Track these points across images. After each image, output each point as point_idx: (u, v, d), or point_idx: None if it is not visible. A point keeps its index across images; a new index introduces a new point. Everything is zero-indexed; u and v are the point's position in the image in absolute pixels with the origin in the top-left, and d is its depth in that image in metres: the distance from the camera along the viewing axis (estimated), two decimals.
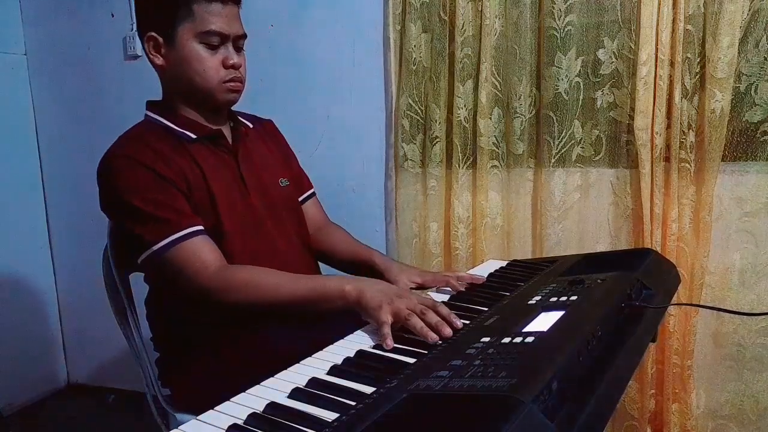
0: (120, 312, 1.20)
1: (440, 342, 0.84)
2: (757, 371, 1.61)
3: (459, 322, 0.89)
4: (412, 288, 1.16)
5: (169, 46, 1.09)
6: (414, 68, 1.77)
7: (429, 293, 1.14)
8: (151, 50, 1.11)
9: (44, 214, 2.39)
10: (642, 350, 0.86)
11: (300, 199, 1.33)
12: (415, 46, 1.75)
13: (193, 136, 1.13)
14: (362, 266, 1.27)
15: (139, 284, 1.24)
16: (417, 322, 0.87)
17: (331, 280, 1.02)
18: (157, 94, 1.19)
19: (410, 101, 1.79)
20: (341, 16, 1.88)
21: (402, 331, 0.89)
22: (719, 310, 1.53)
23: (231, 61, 1.11)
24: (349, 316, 0.97)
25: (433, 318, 0.88)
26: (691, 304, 1.57)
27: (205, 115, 1.16)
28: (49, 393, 2.41)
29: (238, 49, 1.14)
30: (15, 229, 2.27)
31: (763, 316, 1.53)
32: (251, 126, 1.27)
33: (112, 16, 2.15)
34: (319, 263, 1.35)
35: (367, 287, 0.97)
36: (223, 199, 1.11)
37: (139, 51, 2.11)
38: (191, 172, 1.09)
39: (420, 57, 1.76)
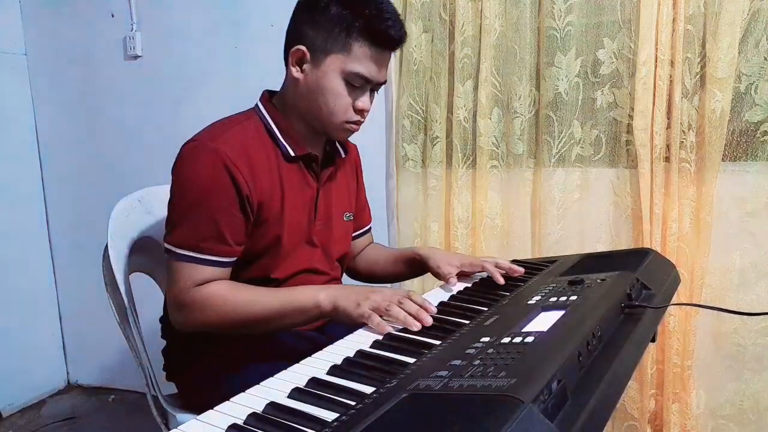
0: (120, 312, 1.20)
1: (425, 330, 0.89)
2: (757, 371, 1.61)
3: (433, 308, 0.95)
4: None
5: (313, 65, 1.05)
6: (414, 68, 1.77)
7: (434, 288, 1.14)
8: (294, 62, 1.06)
9: (44, 214, 2.38)
10: (642, 350, 0.86)
11: (354, 234, 1.33)
12: (415, 46, 1.75)
13: (292, 155, 1.10)
14: (406, 264, 1.30)
15: (139, 284, 1.24)
16: (399, 312, 0.92)
17: (305, 291, 1.01)
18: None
19: (411, 101, 1.79)
20: None
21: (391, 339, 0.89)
22: (719, 310, 1.51)
23: (362, 106, 1.07)
24: None
25: (412, 307, 0.92)
26: (691, 304, 1.57)
27: (311, 136, 1.13)
28: (49, 393, 2.41)
29: (372, 92, 1.11)
30: (15, 229, 2.27)
31: (763, 316, 1.53)
32: (343, 156, 1.26)
33: (112, 16, 2.14)
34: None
35: (340, 293, 0.99)
36: (290, 218, 1.10)
37: (140, 51, 2.11)
38: (271, 194, 1.06)
39: (420, 57, 1.76)
